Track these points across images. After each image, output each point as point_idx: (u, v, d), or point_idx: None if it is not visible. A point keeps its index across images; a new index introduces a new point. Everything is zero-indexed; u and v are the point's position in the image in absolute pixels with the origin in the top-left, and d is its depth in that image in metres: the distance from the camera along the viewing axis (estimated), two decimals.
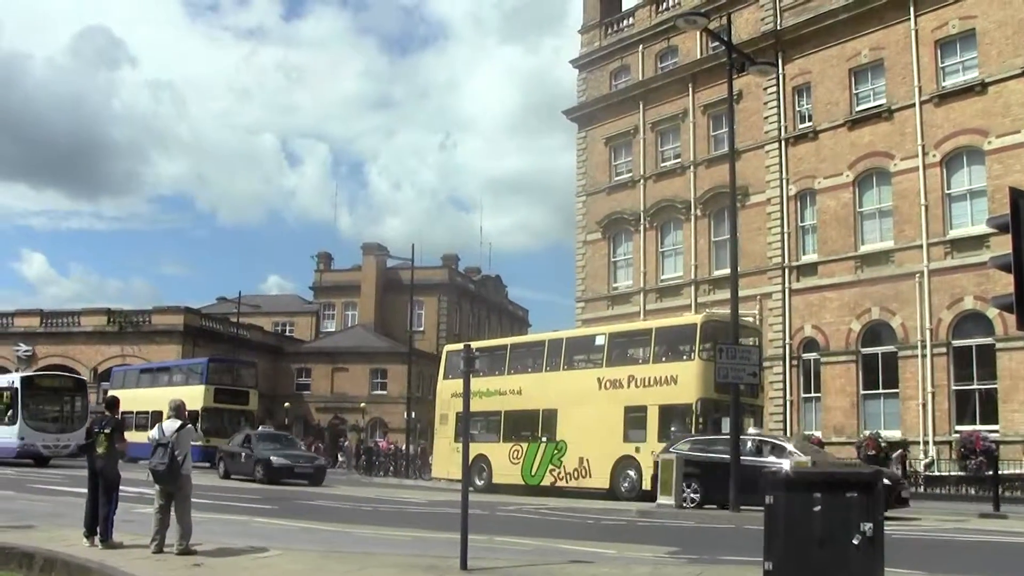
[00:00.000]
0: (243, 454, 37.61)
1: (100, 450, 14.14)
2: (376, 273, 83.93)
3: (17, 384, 42.38)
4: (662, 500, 25.53)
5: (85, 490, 14.54)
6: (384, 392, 76.28)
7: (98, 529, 13.84)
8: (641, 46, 50.53)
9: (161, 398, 39.83)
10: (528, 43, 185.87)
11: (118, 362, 66.73)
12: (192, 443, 13.82)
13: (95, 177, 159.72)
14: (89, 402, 44.22)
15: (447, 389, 37.27)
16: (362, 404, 74.04)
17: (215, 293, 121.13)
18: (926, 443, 35.80)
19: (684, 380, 30.47)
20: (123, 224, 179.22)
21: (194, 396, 47.02)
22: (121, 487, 14.62)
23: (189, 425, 13.77)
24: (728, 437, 24.89)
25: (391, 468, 54.34)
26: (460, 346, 16.65)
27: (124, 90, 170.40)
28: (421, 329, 79.88)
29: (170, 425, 13.59)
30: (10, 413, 41.33)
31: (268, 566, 12.41)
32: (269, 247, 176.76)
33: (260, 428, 44.34)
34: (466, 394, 13.64)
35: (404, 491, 31.43)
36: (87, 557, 12.57)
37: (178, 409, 14.14)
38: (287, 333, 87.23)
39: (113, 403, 15.27)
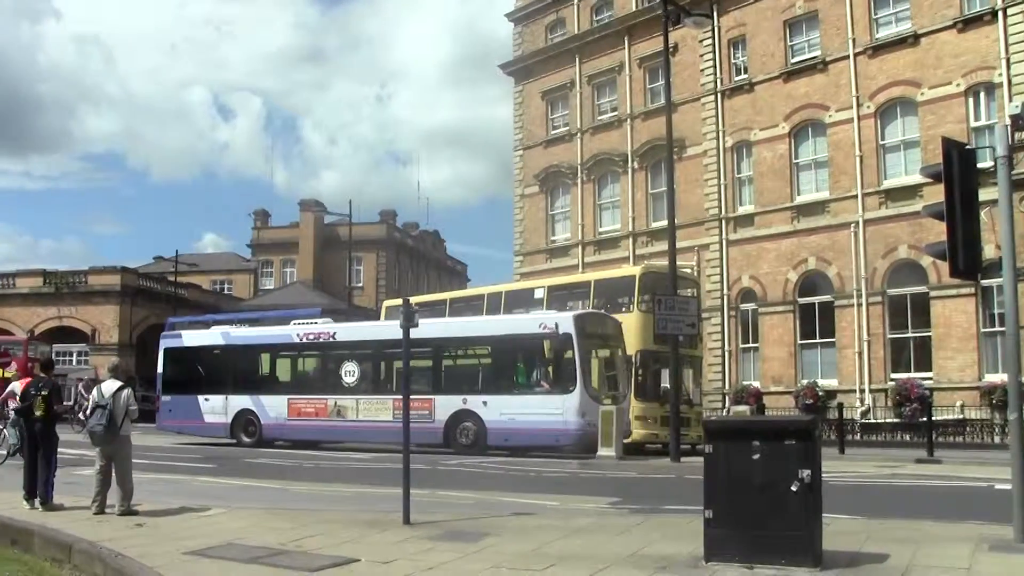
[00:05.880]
0: None
1: (38, 413, 14.00)
2: (314, 230, 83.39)
3: (571, 329, 28.05)
4: (603, 451, 25.67)
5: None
6: None
7: (38, 492, 13.74)
8: None
9: None
10: None
11: (54, 324, 65.76)
12: (130, 407, 13.61)
13: (23, 135, 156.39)
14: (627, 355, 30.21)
15: None
16: None
17: (151, 252, 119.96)
18: (862, 391, 36.31)
19: (623, 332, 30.51)
20: (54, 183, 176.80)
21: None
22: (61, 449, 14.52)
23: (128, 388, 13.63)
24: None
25: None
26: (399, 301, 16.58)
27: (49, 44, 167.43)
28: (360, 285, 79.60)
29: (109, 386, 13.47)
30: (557, 373, 28.52)
31: (211, 524, 12.39)
32: (204, 204, 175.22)
33: None
34: (406, 349, 13.64)
35: (347, 448, 31.35)
36: (28, 520, 12.53)
37: (115, 369, 14.01)
38: (226, 291, 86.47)
39: (48, 364, 15.10)
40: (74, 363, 64.49)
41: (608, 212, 48.30)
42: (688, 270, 38.11)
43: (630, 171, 46.17)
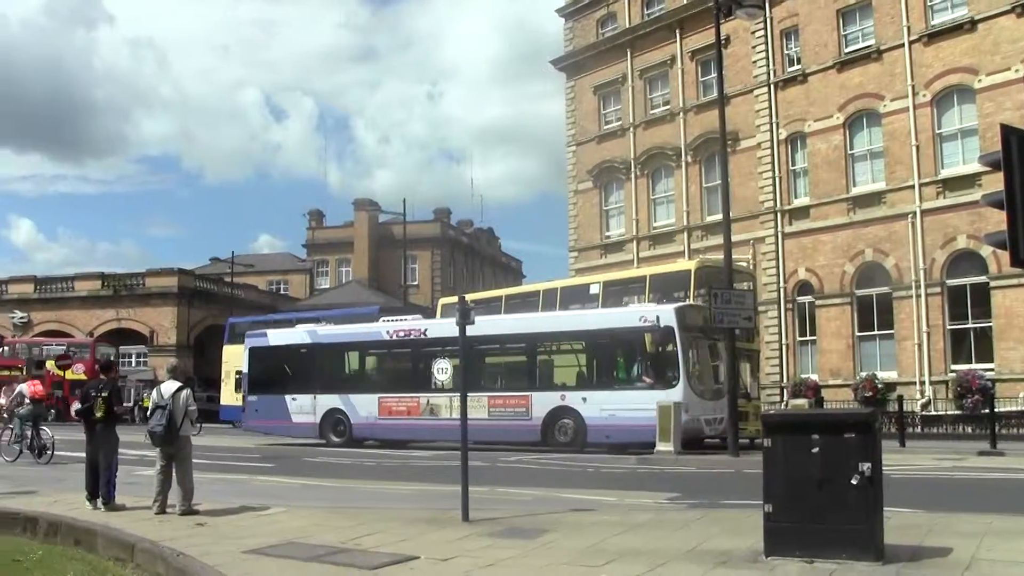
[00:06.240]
0: None
1: (99, 414, 14.16)
2: (368, 229, 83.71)
3: (673, 322, 27.30)
4: (660, 447, 25.54)
5: (84, 454, 14.60)
6: None
7: (100, 492, 13.91)
8: None
9: None
10: None
11: (113, 326, 66.66)
12: (189, 407, 13.71)
13: (80, 139, 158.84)
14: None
15: None
16: None
17: (206, 254, 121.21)
18: (922, 383, 35.89)
19: None
20: (109, 186, 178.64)
21: None
22: (122, 450, 14.67)
23: (187, 389, 13.74)
24: None
25: None
26: (455, 299, 16.56)
27: (103, 49, 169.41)
28: (415, 283, 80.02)
29: (168, 387, 13.60)
30: (659, 368, 27.75)
31: (271, 523, 12.47)
32: (258, 205, 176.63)
33: None
34: (463, 346, 13.66)
35: (416, 447, 31.37)
36: (91, 520, 12.69)
37: (174, 370, 14.15)
38: (282, 291, 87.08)
39: (107, 366, 15.25)
40: (133, 365, 65.38)
41: (662, 207, 48.10)
42: (743, 263, 37.90)
43: (683, 165, 45.96)
